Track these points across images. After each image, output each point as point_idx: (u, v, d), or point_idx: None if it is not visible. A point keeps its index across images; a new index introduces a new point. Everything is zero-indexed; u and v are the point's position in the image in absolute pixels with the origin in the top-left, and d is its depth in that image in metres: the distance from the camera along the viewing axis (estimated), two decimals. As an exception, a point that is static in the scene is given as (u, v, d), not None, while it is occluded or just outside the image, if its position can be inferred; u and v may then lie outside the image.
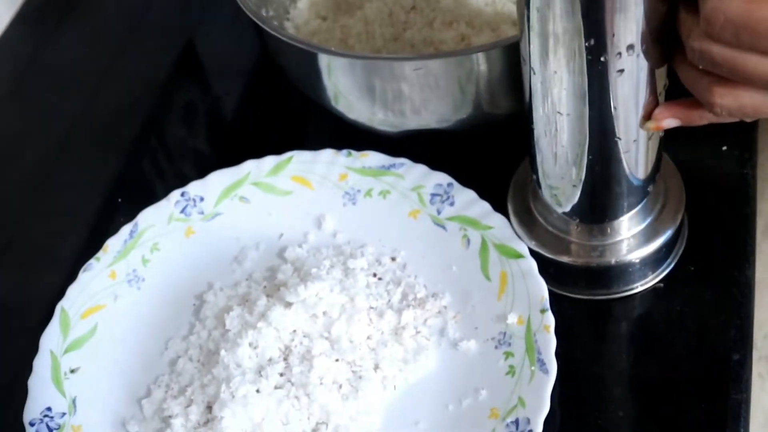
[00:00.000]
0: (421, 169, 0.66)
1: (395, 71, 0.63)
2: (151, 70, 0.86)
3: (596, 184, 0.58)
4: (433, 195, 0.65)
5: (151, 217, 0.68)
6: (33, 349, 0.62)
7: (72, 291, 0.65)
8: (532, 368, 0.56)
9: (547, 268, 0.62)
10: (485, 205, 0.64)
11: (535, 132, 0.57)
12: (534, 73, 0.54)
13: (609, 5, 0.48)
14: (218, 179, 0.69)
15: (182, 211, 0.68)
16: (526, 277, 0.60)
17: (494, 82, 0.64)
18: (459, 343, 0.59)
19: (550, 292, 0.59)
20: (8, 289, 0.72)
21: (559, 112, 0.54)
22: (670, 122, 0.54)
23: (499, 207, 0.64)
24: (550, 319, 0.57)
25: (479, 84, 0.63)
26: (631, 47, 0.50)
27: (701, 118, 0.53)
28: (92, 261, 0.66)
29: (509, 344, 0.58)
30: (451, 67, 0.62)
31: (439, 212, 0.65)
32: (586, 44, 0.50)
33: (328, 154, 0.68)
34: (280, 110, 0.77)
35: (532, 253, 0.61)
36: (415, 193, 0.66)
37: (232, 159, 0.69)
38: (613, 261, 0.62)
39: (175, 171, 0.79)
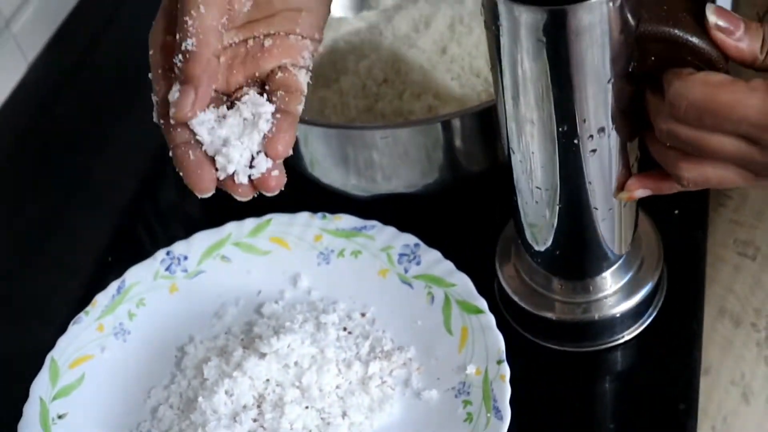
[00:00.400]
0: (390, 230, 0.71)
1: (366, 140, 0.68)
2: (146, 137, 0.91)
3: (577, 249, 0.63)
4: (401, 255, 0.70)
5: (138, 274, 0.72)
6: (25, 395, 0.66)
7: (62, 342, 0.69)
8: (488, 415, 0.60)
9: (531, 323, 0.66)
10: (449, 264, 0.68)
11: (519, 201, 0.61)
12: (513, 153, 0.58)
13: (578, 95, 0.52)
14: (201, 239, 0.73)
15: (167, 269, 0.72)
16: (485, 331, 0.64)
17: (458, 150, 0.69)
18: (422, 393, 0.64)
19: (533, 344, 0.64)
20: (3, 340, 0.76)
21: (537, 187, 0.58)
22: (641, 192, 0.58)
23: (462, 264, 0.68)
24: (506, 370, 0.61)
25: (444, 151, 0.68)
26: (601, 130, 0.54)
27: (670, 187, 0.56)
28: (81, 314, 0.70)
29: (468, 393, 0.62)
30: (418, 135, 0.68)
31: (406, 271, 0.69)
32: (559, 129, 0.53)
33: (304, 216, 0.73)
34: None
35: (518, 309, 0.66)
36: (384, 254, 0.70)
37: (216, 220, 0.74)
38: (596, 316, 0.65)
39: (164, 231, 0.84)
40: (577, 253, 0.63)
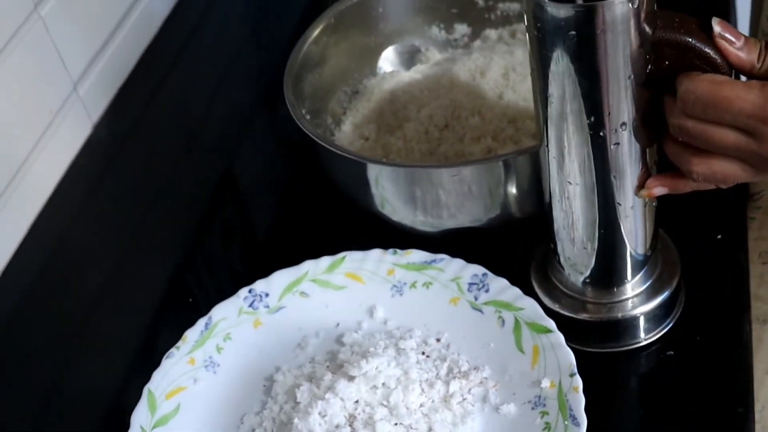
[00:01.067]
0: (459, 262, 0.77)
1: (434, 178, 0.74)
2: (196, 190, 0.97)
3: (603, 248, 0.70)
4: (470, 284, 0.76)
5: (223, 310, 0.77)
6: (127, 425, 0.71)
7: (157, 375, 0.74)
8: (566, 423, 0.65)
9: (564, 326, 0.72)
10: (516, 290, 0.74)
11: (552, 205, 0.69)
12: (548, 150, 0.66)
13: (603, 89, 0.60)
14: (281, 277, 0.79)
15: (250, 305, 0.78)
16: (556, 348, 0.70)
17: (517, 186, 0.75)
18: (500, 407, 0.69)
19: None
20: (104, 376, 0.82)
21: (569, 182, 0.66)
22: (659, 190, 0.66)
23: (528, 290, 0.74)
24: (578, 382, 0.67)
25: (505, 187, 0.74)
26: (623, 125, 0.62)
27: (684, 185, 0.65)
28: (173, 350, 0.75)
29: (544, 405, 0.68)
30: (481, 173, 0.74)
31: (476, 298, 0.75)
32: (588, 121, 0.62)
33: (376, 253, 0.79)
34: (330, 217, 0.89)
35: (552, 312, 0.72)
36: (454, 283, 0.76)
37: (293, 259, 0.79)
38: (619, 315, 0.73)
39: (216, 284, 0.90)
40: (602, 251, 0.70)
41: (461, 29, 0.95)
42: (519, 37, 0.93)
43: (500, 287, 0.75)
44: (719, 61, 0.58)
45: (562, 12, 0.57)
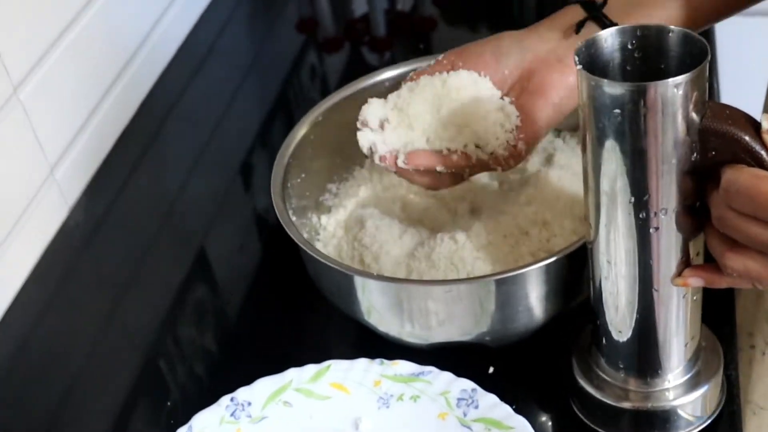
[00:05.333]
0: (447, 376, 0.75)
1: (425, 293, 0.73)
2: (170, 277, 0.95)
3: (641, 335, 0.68)
4: (459, 399, 0.74)
5: (204, 419, 0.75)
6: None
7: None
8: None
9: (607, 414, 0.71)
10: (506, 408, 0.72)
11: (593, 284, 0.69)
12: (592, 227, 0.65)
13: (646, 171, 0.60)
14: (264, 385, 0.77)
15: (232, 415, 0.76)
16: (547, 470, 0.68)
17: (508, 304, 0.74)
18: None
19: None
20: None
21: (608, 261, 0.65)
22: (694, 281, 0.65)
23: (520, 407, 0.73)
24: None
25: (496, 304, 0.73)
26: (664, 209, 0.62)
27: (721, 280, 0.64)
28: (153, 460, 0.73)
29: None
30: (477, 290, 0.72)
31: (465, 414, 0.74)
32: (630, 201, 0.61)
33: (363, 363, 0.77)
34: (314, 316, 0.87)
35: (593, 400, 0.72)
36: (442, 398, 0.75)
37: (273, 359, 0.78)
38: (660, 405, 0.71)
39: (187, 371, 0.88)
40: (640, 338, 0.69)
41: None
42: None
43: (490, 404, 0.73)
44: (765, 156, 0.58)
45: (614, 89, 0.58)
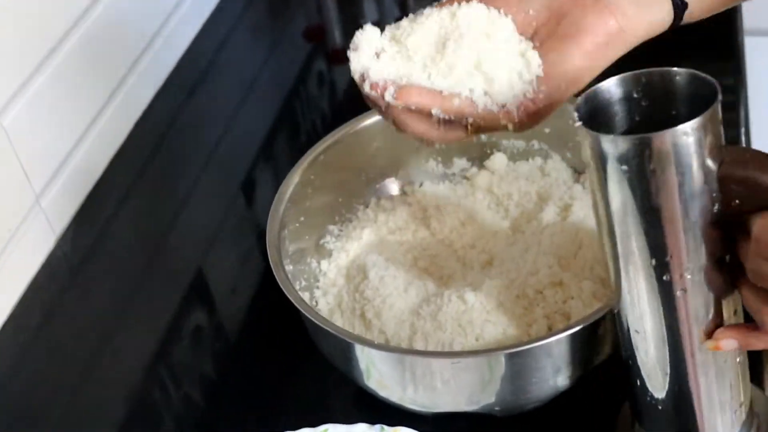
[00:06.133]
0: (452, 448, 0.70)
1: (431, 365, 0.67)
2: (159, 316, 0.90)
3: (677, 402, 0.61)
4: (464, 475, 0.69)
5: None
6: None
7: None
8: None
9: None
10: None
11: (624, 355, 0.62)
12: (619, 294, 0.59)
13: (666, 230, 0.54)
14: (256, 453, 0.71)
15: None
16: None
17: (520, 377, 0.68)
18: None
19: None
20: None
21: (636, 330, 0.59)
22: (727, 343, 0.58)
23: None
24: None
25: (507, 376, 0.67)
26: (691, 270, 0.55)
27: (758, 341, 0.57)
28: None
29: None
30: (479, 360, 0.66)
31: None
32: (651, 263, 0.55)
33: (361, 428, 0.71)
34: (313, 377, 0.81)
35: None
36: (446, 470, 0.69)
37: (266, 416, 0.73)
38: None
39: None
40: (677, 406, 0.62)
41: (460, 164, 0.88)
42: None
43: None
44: None
45: (616, 144, 0.52)
